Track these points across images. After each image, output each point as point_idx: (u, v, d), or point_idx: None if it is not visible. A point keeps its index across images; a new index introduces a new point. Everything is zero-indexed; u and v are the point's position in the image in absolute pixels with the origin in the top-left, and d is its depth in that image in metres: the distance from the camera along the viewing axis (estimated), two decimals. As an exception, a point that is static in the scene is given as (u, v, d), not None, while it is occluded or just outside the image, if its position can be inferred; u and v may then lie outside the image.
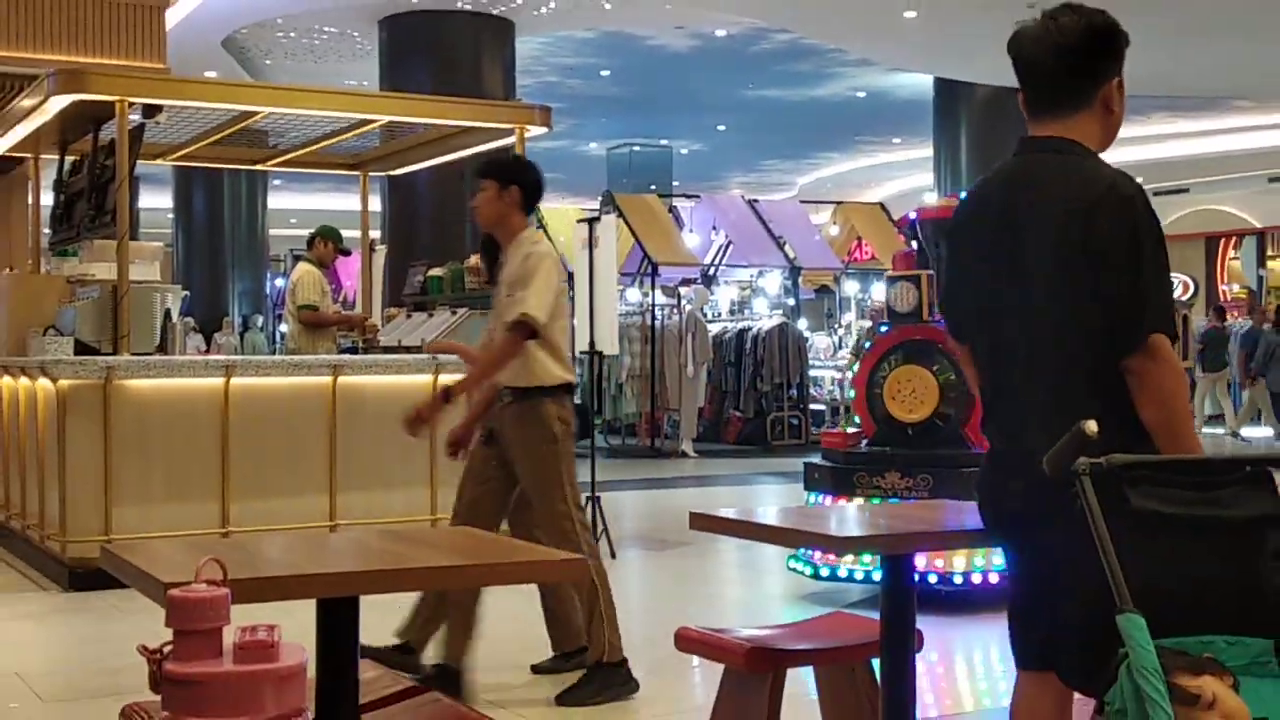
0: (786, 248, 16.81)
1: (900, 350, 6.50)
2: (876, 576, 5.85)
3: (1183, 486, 2.47)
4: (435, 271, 10.43)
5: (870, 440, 6.51)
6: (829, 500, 6.45)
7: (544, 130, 9.09)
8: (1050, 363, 2.69)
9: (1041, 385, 2.69)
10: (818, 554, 6.37)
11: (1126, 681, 2.24)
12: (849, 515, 3.93)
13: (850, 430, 6.75)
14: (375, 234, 13.41)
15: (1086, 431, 2.37)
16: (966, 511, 3.76)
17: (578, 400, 5.39)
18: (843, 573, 6.37)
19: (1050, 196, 2.69)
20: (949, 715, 4.54)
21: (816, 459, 6.84)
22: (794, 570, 6.71)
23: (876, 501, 6.20)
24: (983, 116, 19.25)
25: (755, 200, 18.05)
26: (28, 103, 8.40)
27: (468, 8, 15.56)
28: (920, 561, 5.85)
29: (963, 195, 7.76)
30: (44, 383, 7.53)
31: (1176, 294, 25.45)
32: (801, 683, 3.59)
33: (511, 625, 5.48)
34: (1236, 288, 25.76)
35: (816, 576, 6.49)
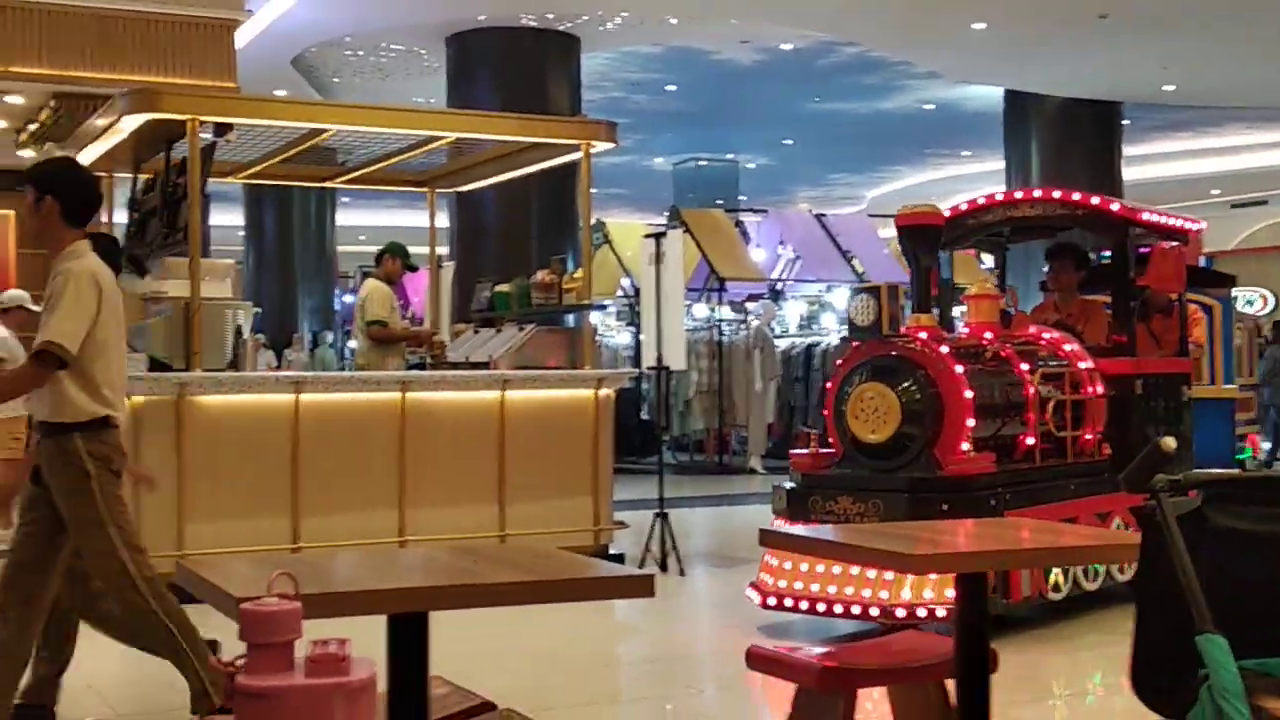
0: (855, 262, 16.72)
1: (865, 367, 6.20)
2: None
3: (1263, 504, 2.43)
4: (502, 288, 10.49)
5: (839, 461, 6.23)
6: (784, 525, 6.11)
7: (610, 146, 9.12)
8: None
9: None
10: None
11: (1208, 704, 2.21)
12: (919, 533, 3.90)
13: (823, 450, 6.39)
14: (442, 250, 13.51)
15: (1164, 448, 2.34)
16: (1019, 529, 3.72)
17: (645, 416, 5.35)
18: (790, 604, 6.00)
19: None
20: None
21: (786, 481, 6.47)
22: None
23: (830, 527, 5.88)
24: (1054, 128, 19.09)
25: (822, 214, 17.98)
26: (101, 122, 8.54)
27: (534, 24, 15.65)
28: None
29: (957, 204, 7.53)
30: (118, 399, 7.63)
31: (1255, 308, 25.05)
32: (875, 700, 3.56)
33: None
34: (1317, 301, 25.22)
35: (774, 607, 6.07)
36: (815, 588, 5.81)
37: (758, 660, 3.33)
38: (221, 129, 8.44)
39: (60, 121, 12.78)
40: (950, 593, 5.45)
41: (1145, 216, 7.09)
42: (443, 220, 13.43)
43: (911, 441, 5.96)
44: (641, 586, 2.96)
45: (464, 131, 9.29)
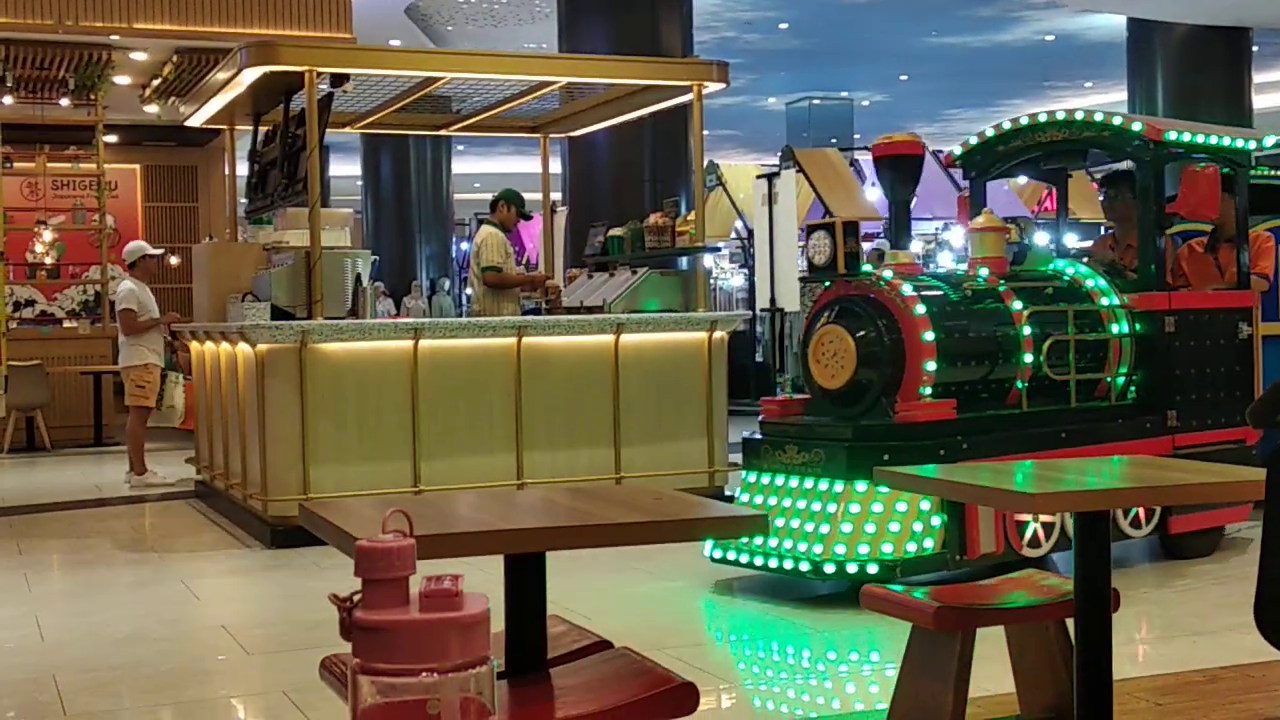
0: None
1: (828, 309, 5.84)
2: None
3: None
4: (615, 232, 10.50)
5: (808, 408, 5.94)
6: (744, 475, 5.97)
7: (722, 86, 9.05)
8: None
9: None
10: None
11: (1337, 643, 2.16)
12: (1034, 472, 3.84)
13: (795, 397, 6.10)
14: (556, 196, 13.55)
15: (1293, 383, 2.28)
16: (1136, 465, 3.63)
17: (759, 358, 5.35)
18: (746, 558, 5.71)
19: None
20: (1148, 677, 4.42)
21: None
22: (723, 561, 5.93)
23: (780, 477, 5.74)
24: (1181, 57, 18.52)
25: (939, 151, 17.69)
26: (221, 76, 8.69)
27: (644, -34, 15.53)
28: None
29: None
30: (243, 348, 7.82)
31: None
32: (991, 643, 3.54)
33: None
34: None
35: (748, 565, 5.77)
36: (773, 542, 5.58)
37: (872, 599, 3.32)
38: (338, 80, 8.53)
39: (182, 76, 13.08)
40: (887, 547, 5.34)
41: (1174, 136, 6.39)
42: (555, 165, 13.45)
43: (869, 387, 5.66)
44: (756, 525, 2.97)
45: (575, 76, 9.29)
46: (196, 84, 10.19)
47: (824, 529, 5.44)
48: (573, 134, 11.27)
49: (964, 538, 5.49)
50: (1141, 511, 6.09)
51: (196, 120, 9.96)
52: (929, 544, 5.46)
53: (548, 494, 3.66)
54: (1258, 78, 19.64)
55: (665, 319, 8.40)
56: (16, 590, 6.50)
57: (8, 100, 13.43)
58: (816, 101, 25.57)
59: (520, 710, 2.42)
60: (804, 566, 5.47)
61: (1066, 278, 6.43)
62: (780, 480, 5.75)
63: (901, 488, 4.57)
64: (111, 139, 14.91)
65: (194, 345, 9.48)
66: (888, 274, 5.81)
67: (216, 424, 8.82)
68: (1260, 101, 19.92)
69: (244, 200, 10.16)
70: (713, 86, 8.89)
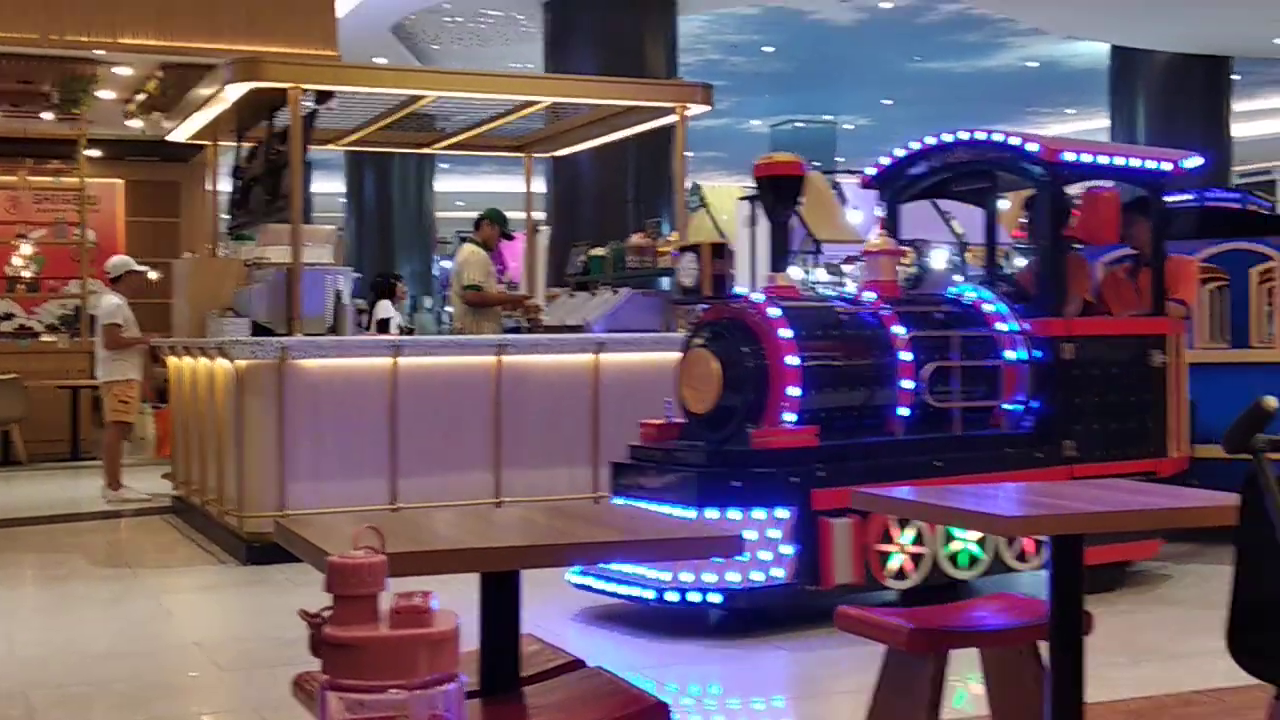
0: (954, 223, 16.48)
1: (699, 332, 5.73)
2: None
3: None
4: (597, 251, 10.51)
5: (683, 433, 5.76)
6: (612, 500, 5.83)
7: (706, 108, 9.09)
8: None
9: None
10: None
11: (1307, 667, 2.16)
12: (1013, 494, 3.85)
13: (676, 420, 5.87)
14: (539, 215, 13.56)
15: (1265, 407, 2.29)
16: (1100, 490, 3.64)
17: None
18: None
19: None
20: (1120, 701, 4.43)
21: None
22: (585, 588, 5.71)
23: (641, 503, 5.53)
24: (1162, 85, 18.64)
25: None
26: (206, 92, 8.68)
27: (630, -13, 15.59)
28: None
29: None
30: (222, 363, 7.79)
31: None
32: (965, 664, 3.54)
33: None
34: None
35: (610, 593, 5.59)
36: (627, 568, 5.39)
37: (847, 620, 3.32)
38: (322, 97, 8.54)
39: (167, 92, 13.03)
40: (733, 576, 5.20)
41: (1072, 157, 6.09)
42: (539, 185, 13.47)
43: (733, 412, 5.50)
44: (730, 546, 2.97)
45: (560, 96, 9.31)
46: (180, 99, 10.18)
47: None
48: (556, 154, 11.29)
49: (818, 568, 5.36)
50: (1029, 544, 5.82)
51: (180, 135, 9.95)
52: (779, 573, 5.31)
53: (526, 512, 3.66)
54: (1236, 106, 19.78)
55: (646, 339, 8.40)
56: (-11, 605, 6.46)
57: (-11, 113, 13.38)
58: (800, 124, 25.65)
59: (491, 729, 2.41)
60: (648, 594, 5.33)
61: (966, 301, 6.21)
62: (641, 505, 5.49)
63: (874, 509, 4.57)
64: (94, 153, 14.86)
65: (172, 360, 9.45)
66: (757, 296, 5.69)
67: (194, 440, 8.78)
68: (1239, 130, 20.06)
69: (226, 216, 10.15)
70: (697, 108, 8.92)
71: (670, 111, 9.02)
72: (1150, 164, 6.46)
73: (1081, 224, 6.26)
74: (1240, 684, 2.74)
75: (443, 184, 24.69)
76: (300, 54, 11.86)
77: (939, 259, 16.81)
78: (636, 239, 9.91)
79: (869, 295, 5.96)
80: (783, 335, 5.50)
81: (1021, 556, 5.87)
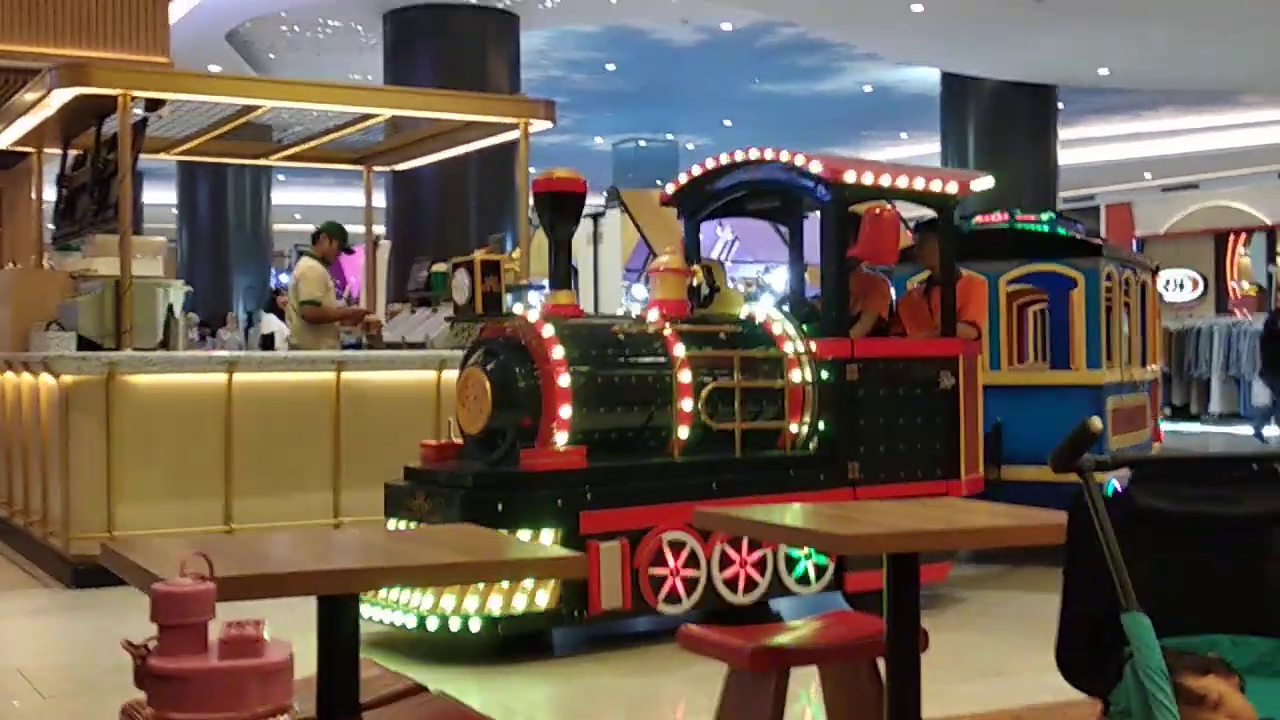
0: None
1: (476, 349, 5.69)
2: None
3: (1189, 484, 2.45)
4: (439, 267, 10.39)
5: (460, 454, 5.68)
6: (386, 523, 5.71)
7: (549, 125, 9.10)
8: None
9: None
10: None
11: (1132, 681, 2.23)
12: (848, 513, 3.91)
13: (455, 441, 5.76)
14: (379, 229, 13.40)
15: (1091, 428, 2.36)
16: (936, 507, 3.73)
17: None
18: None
19: None
20: (955, 717, 4.52)
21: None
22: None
23: (411, 525, 5.41)
24: (991, 111, 19.22)
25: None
26: (30, 97, 8.41)
27: (472, 1, 15.54)
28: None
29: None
30: (46, 378, 7.54)
31: (1185, 292, 25.37)
32: (804, 682, 3.58)
33: None
34: (1246, 285, 25.60)
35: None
36: (394, 594, 5.25)
37: (689, 640, 3.34)
38: (153, 104, 8.34)
39: (-13, 96, 12.57)
40: (494, 602, 5.13)
41: (854, 178, 6.01)
42: (379, 199, 13.32)
43: (504, 432, 5.42)
44: (572, 567, 2.96)
45: (401, 109, 9.24)
46: (3, 104, 9.84)
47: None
48: (397, 167, 11.18)
49: (584, 594, 5.28)
50: (812, 568, 5.85)
51: (2, 142, 9.61)
52: (542, 600, 5.22)
53: (365, 533, 3.60)
54: (1063, 134, 20.49)
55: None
56: None
57: None
58: (643, 143, 25.84)
59: (329, 758, 2.36)
60: (409, 622, 5.21)
61: (755, 322, 6.12)
62: (411, 529, 5.30)
63: (714, 528, 4.59)
64: (-91, 158, 14.25)
65: (-7, 375, 9.09)
66: (533, 315, 5.60)
67: (16, 458, 8.47)
68: (1065, 156, 20.78)
69: (51, 226, 9.83)
70: (540, 124, 8.93)
71: (513, 127, 9.00)
72: (937, 185, 6.37)
73: (862, 243, 6.22)
74: (1068, 698, 2.82)
75: (280, 196, 24.25)
76: (131, 59, 11.57)
77: (779, 279, 17.10)
78: (479, 255, 9.83)
79: (653, 314, 5.89)
80: (556, 355, 5.41)
81: (804, 580, 5.85)
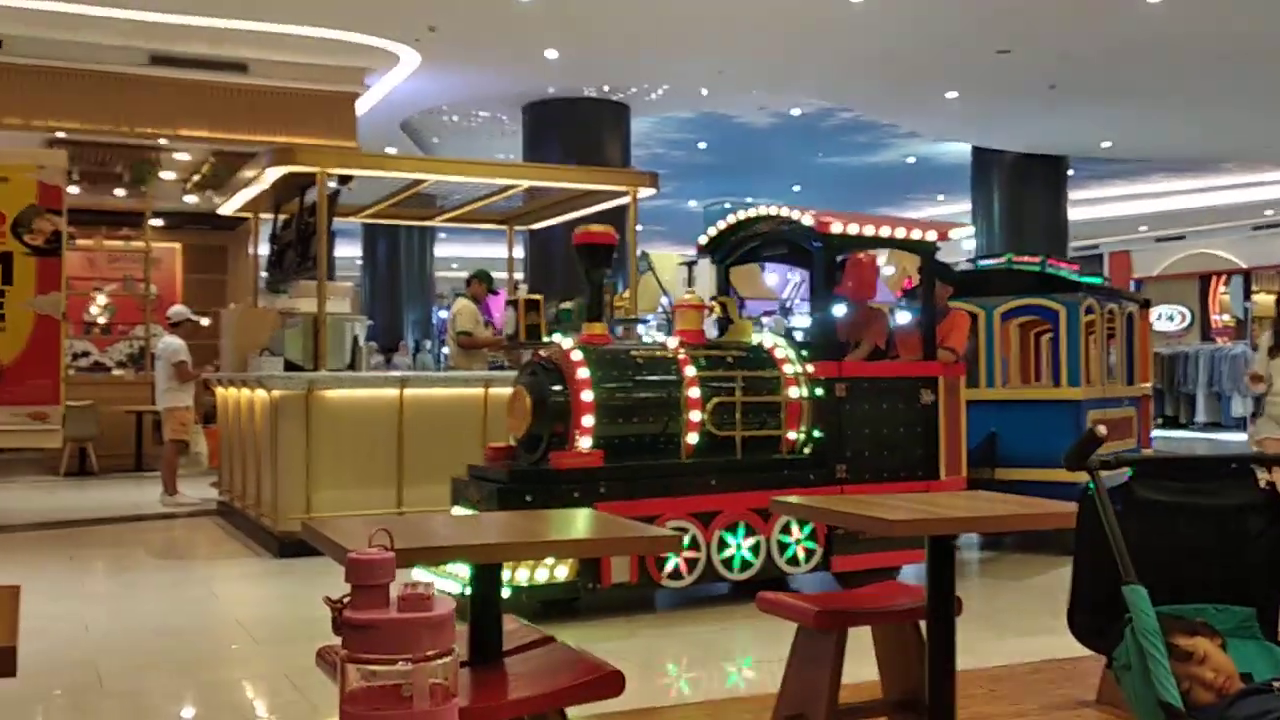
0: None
1: (525, 370, 5.66)
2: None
3: (1178, 480, 2.40)
4: (565, 305, 10.49)
5: (514, 456, 5.66)
6: (452, 509, 5.65)
7: (653, 191, 9.13)
8: None
9: None
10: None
11: (1131, 641, 2.18)
12: (899, 502, 3.85)
13: (511, 444, 5.73)
14: (519, 275, 13.53)
15: (1097, 434, 2.31)
16: (972, 500, 3.66)
17: None
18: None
19: None
20: (984, 668, 4.44)
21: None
22: None
23: (469, 512, 5.33)
24: (1012, 177, 18.90)
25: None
26: (249, 173, 8.63)
27: (593, 95, 15.66)
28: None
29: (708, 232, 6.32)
30: (261, 393, 7.71)
31: (1175, 323, 24.72)
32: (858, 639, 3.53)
33: None
34: (1226, 317, 25.01)
35: None
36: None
37: (766, 603, 3.31)
38: (344, 179, 8.52)
39: (217, 173, 12.95)
40: (521, 574, 5.08)
41: (839, 229, 5.85)
42: (519, 251, 13.45)
43: (541, 438, 5.43)
44: (668, 544, 2.96)
45: (536, 180, 9.33)
46: (229, 179, 10.11)
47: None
48: (533, 227, 11.29)
49: (598, 569, 5.23)
50: (802, 550, 5.73)
51: (228, 209, 9.88)
52: (562, 573, 5.19)
53: (508, 517, 3.63)
54: (1072, 195, 20.08)
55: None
56: (68, 590, 6.33)
57: (74, 190, 13.21)
58: (727, 204, 25.75)
59: (479, 692, 2.38)
60: (455, 588, 5.07)
61: (764, 348, 6.00)
62: (468, 514, 5.23)
63: (784, 513, 4.53)
64: (157, 223, 14.72)
65: (220, 390, 9.33)
66: (566, 342, 5.57)
67: (237, 455, 8.67)
68: (1075, 213, 20.35)
69: (265, 274, 10.06)
70: (645, 191, 8.97)
71: (624, 194, 9.05)
72: (917, 234, 6.15)
73: (847, 282, 6.13)
74: (1078, 655, 2.75)
75: (441, 250, 24.62)
76: (327, 144, 11.83)
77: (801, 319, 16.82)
78: (522, 294, 9.89)
79: (673, 341, 5.83)
80: (582, 375, 5.39)
81: (794, 561, 5.74)
